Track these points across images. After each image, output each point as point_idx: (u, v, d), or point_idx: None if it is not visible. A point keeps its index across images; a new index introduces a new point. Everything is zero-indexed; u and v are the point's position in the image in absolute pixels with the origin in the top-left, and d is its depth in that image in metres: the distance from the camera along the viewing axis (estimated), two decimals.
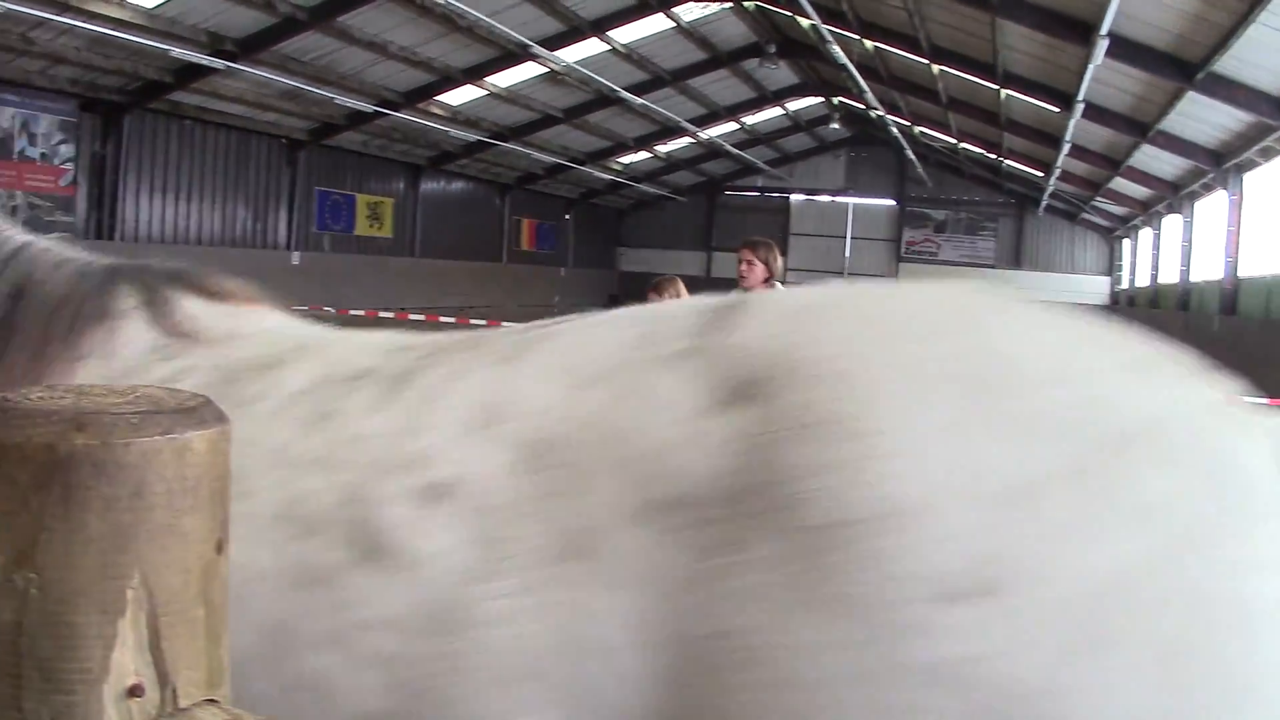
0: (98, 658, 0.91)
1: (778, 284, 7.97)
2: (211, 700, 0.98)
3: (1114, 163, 30.69)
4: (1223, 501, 1.43)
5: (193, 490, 0.92)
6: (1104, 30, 17.72)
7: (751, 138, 45.68)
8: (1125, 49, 19.71)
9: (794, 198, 53.93)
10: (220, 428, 0.95)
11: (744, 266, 7.98)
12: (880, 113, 34.60)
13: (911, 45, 26.67)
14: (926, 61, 27.40)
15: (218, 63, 24.73)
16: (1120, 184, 34.04)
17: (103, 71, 25.38)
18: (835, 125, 44.76)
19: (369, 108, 30.32)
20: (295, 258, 32.82)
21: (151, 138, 28.71)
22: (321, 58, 27.34)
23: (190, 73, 26.08)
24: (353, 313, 25.25)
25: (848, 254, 52.89)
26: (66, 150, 26.50)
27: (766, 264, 7.96)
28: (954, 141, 39.30)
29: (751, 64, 34.02)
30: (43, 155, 25.89)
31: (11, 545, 0.90)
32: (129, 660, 0.92)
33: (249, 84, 27.78)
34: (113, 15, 22.22)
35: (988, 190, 49.77)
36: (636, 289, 37.18)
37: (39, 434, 0.89)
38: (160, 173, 29.17)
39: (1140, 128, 25.33)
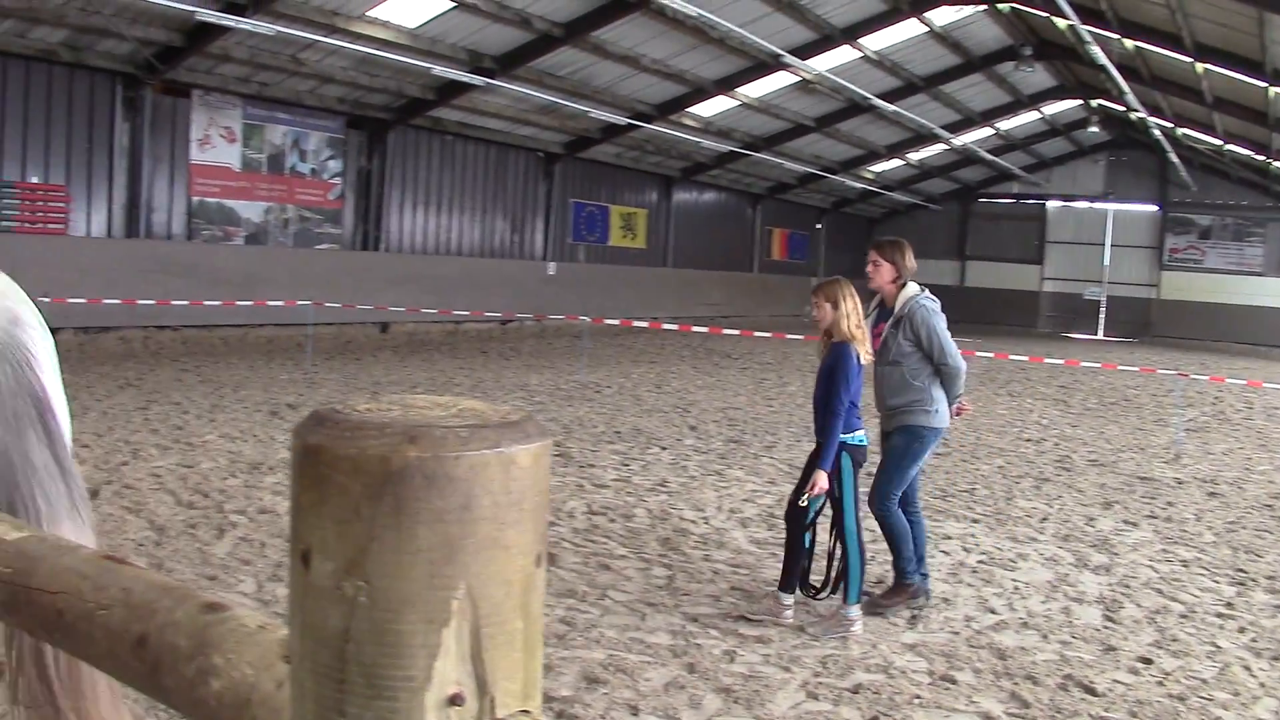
0: (421, 666, 0.93)
1: (910, 282, 7.81)
2: (525, 712, 0.99)
3: None
4: None
5: (517, 504, 0.93)
6: None
7: (1006, 143, 44.65)
8: None
9: (1050, 204, 52.42)
10: (543, 442, 0.96)
11: (870, 268, 7.87)
12: (1141, 114, 33.45)
13: (1174, 43, 25.61)
14: (1190, 60, 26.27)
15: (478, 79, 25.42)
16: None
17: (368, 90, 26.39)
18: (1093, 129, 43.31)
19: (623, 120, 30.74)
20: (551, 268, 33.49)
21: (414, 152, 29.71)
22: (577, 72, 27.86)
23: (451, 89, 26.89)
24: (607, 322, 25.62)
25: (1107, 262, 51.16)
26: (334, 165, 27.66)
27: (893, 263, 7.79)
28: (1219, 143, 37.59)
29: (1006, 67, 33.25)
30: (312, 170, 27.09)
31: (342, 554, 0.92)
32: (451, 669, 0.94)
33: (507, 99, 28.50)
34: (378, 36, 23.08)
35: (1256, 194, 47.37)
36: None
37: (373, 446, 0.91)
38: (422, 186, 30.15)
39: None
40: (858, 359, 7.23)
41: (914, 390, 7.62)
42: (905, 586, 7.68)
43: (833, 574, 7.34)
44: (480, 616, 0.93)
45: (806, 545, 7.31)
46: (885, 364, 7.71)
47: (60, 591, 1.43)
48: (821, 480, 7.12)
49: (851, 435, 7.29)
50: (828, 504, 7.39)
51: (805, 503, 7.25)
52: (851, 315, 7.29)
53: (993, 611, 7.69)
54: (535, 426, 0.97)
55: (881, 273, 7.82)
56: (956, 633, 7.19)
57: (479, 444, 0.92)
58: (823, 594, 7.35)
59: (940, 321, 7.70)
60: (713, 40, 26.76)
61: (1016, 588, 8.24)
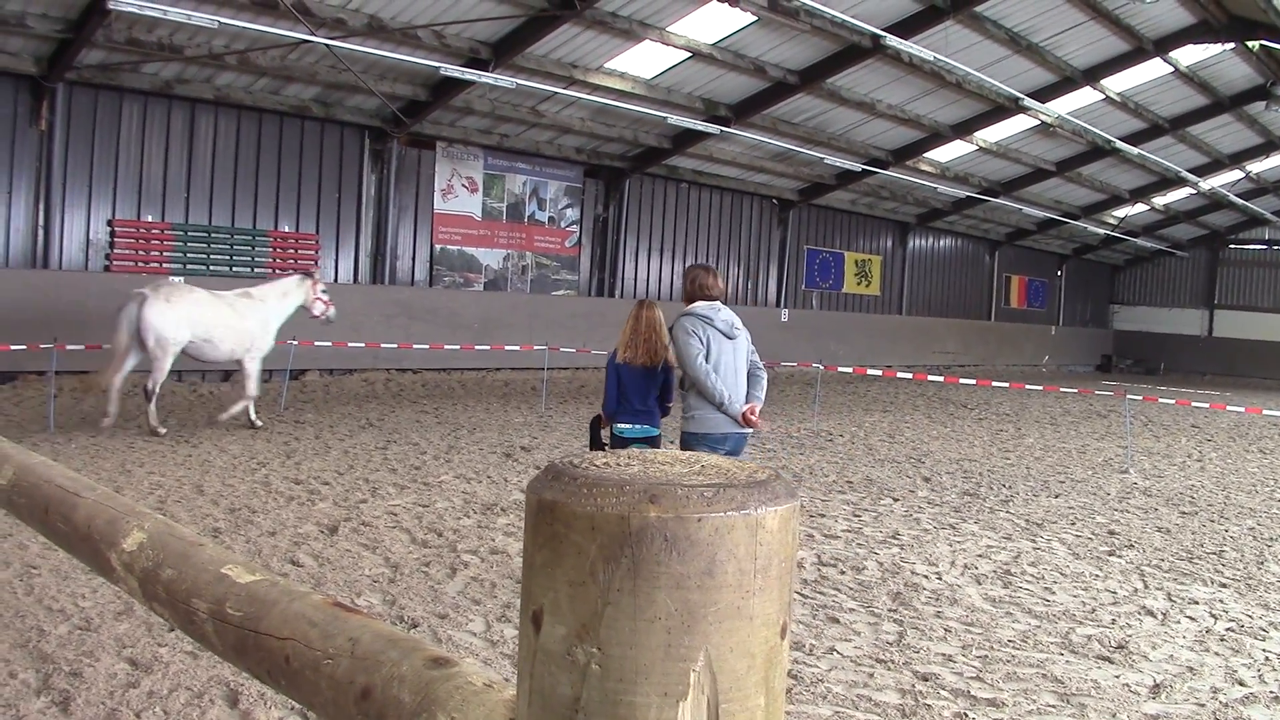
0: None
1: (701, 301, 8.48)
2: None
3: None
4: None
5: (763, 570, 0.86)
6: None
7: (1257, 186, 42.66)
8: None
9: None
10: (791, 503, 0.89)
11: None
12: None
13: None
14: None
15: (712, 128, 25.59)
16: None
17: (605, 139, 26.85)
18: None
19: (858, 166, 30.54)
20: (784, 315, 33.42)
21: (649, 200, 30.09)
22: (811, 119, 27.82)
23: (687, 138, 27.17)
24: (840, 369, 25.38)
25: None
26: (571, 214, 28.21)
27: (687, 281, 8.66)
28: None
29: (1257, 107, 31.84)
30: (550, 219, 27.69)
31: (575, 618, 0.87)
32: None
33: (742, 147, 28.65)
34: (615, 87, 23.46)
35: None
36: (1131, 349, 35.61)
37: (611, 504, 0.85)
38: (657, 233, 30.50)
39: None
40: (612, 360, 8.72)
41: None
42: None
43: None
44: (720, 691, 0.87)
45: None
46: None
47: (289, 638, 1.41)
48: None
49: (621, 428, 8.68)
50: None
51: None
52: (626, 328, 8.72)
53: (1241, 684, 7.22)
54: (784, 486, 0.90)
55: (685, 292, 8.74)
56: (1202, 705, 6.78)
57: (724, 505, 0.85)
58: None
59: (685, 335, 8.26)
60: (949, 84, 26.41)
61: (1268, 658, 7.74)
